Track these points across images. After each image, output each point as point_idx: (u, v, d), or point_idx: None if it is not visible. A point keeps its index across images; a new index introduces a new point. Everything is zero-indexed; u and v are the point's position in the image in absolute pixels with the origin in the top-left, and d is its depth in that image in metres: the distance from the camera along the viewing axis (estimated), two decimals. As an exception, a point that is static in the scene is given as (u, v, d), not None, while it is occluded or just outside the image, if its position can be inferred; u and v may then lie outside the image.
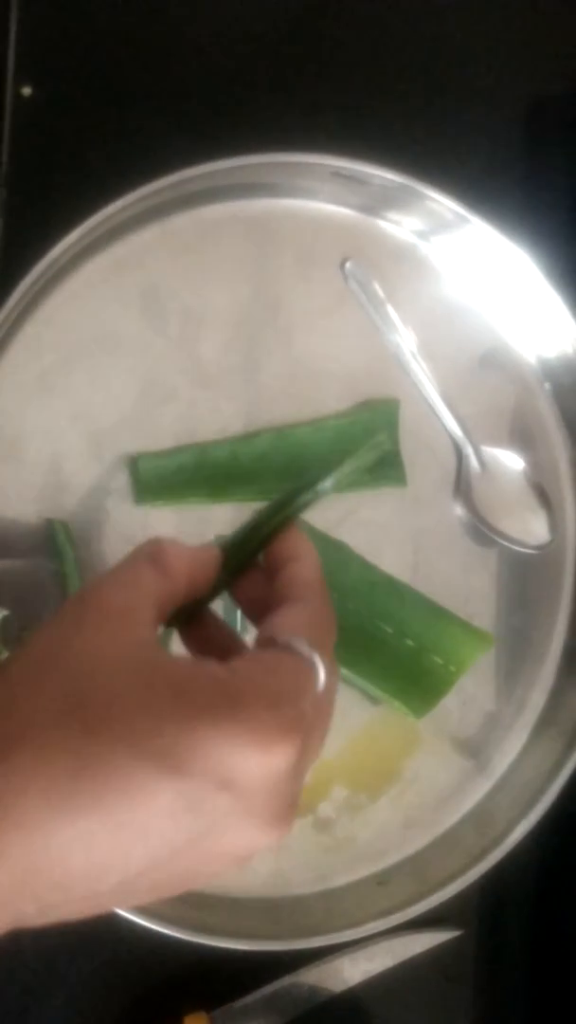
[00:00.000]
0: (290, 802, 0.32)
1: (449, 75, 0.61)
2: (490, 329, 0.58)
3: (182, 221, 0.55)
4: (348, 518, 0.55)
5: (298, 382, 0.55)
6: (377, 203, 0.56)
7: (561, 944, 0.57)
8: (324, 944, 0.51)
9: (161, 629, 0.35)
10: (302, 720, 0.32)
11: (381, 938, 0.53)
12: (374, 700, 0.54)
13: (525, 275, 0.55)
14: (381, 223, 0.57)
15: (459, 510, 0.56)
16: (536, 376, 0.58)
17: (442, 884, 0.51)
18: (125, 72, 0.58)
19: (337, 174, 0.54)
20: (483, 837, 0.53)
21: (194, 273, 0.55)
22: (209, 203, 0.54)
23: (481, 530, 0.55)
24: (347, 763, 0.54)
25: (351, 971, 0.53)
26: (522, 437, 0.57)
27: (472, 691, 0.56)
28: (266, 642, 0.35)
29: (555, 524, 0.56)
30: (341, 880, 0.54)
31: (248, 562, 0.38)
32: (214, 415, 0.54)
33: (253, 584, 0.39)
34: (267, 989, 0.52)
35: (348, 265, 0.56)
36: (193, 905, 0.51)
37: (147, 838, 0.30)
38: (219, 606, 0.39)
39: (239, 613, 0.50)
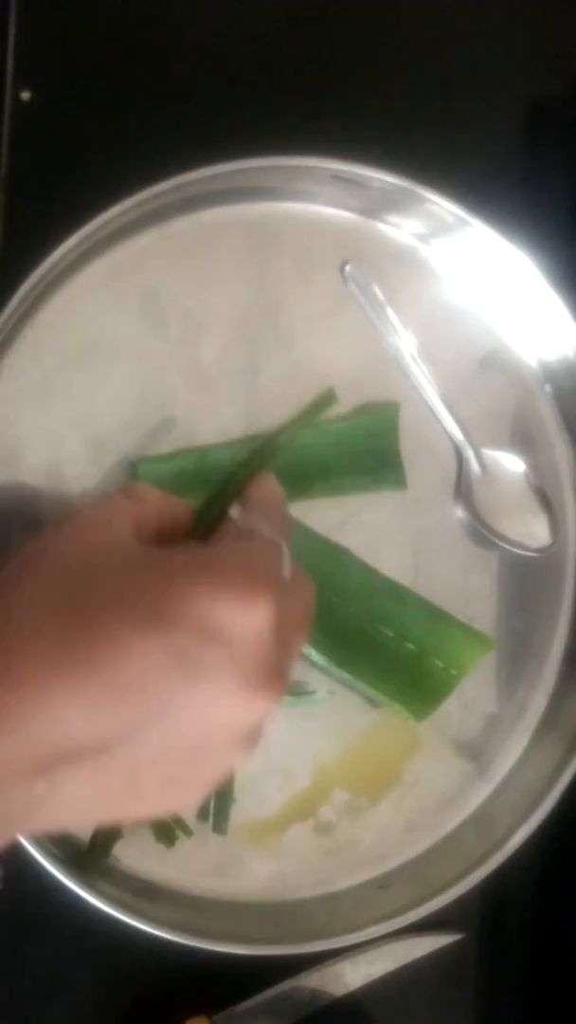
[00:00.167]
0: (277, 667, 0.34)
1: (449, 76, 0.61)
2: (490, 331, 0.58)
3: (181, 225, 0.55)
4: (349, 522, 0.55)
5: (298, 385, 0.55)
6: (377, 206, 0.56)
7: (562, 948, 0.57)
8: (325, 948, 0.51)
9: None
10: (277, 583, 0.36)
11: (382, 942, 0.53)
12: (375, 704, 0.54)
13: (525, 277, 0.55)
14: (381, 226, 0.57)
15: (460, 513, 0.56)
16: (537, 378, 0.58)
17: (443, 888, 0.51)
18: (124, 76, 0.58)
19: (337, 177, 0.54)
20: (484, 840, 0.53)
21: (194, 277, 0.55)
22: (208, 207, 0.54)
23: (482, 533, 0.55)
24: (348, 767, 0.54)
25: (352, 975, 0.53)
26: (523, 440, 0.57)
27: (473, 694, 0.56)
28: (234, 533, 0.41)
29: (556, 527, 0.56)
30: (342, 884, 0.54)
31: (221, 515, 0.43)
32: (214, 418, 0.54)
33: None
34: (268, 993, 0.52)
35: (348, 268, 0.56)
36: (194, 909, 0.51)
37: (141, 693, 0.32)
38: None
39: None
